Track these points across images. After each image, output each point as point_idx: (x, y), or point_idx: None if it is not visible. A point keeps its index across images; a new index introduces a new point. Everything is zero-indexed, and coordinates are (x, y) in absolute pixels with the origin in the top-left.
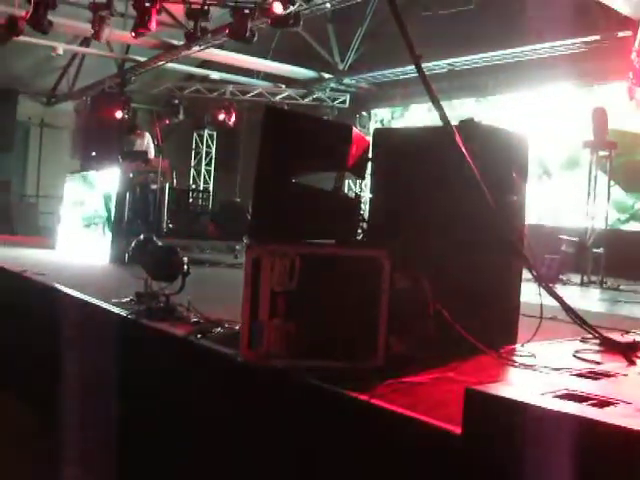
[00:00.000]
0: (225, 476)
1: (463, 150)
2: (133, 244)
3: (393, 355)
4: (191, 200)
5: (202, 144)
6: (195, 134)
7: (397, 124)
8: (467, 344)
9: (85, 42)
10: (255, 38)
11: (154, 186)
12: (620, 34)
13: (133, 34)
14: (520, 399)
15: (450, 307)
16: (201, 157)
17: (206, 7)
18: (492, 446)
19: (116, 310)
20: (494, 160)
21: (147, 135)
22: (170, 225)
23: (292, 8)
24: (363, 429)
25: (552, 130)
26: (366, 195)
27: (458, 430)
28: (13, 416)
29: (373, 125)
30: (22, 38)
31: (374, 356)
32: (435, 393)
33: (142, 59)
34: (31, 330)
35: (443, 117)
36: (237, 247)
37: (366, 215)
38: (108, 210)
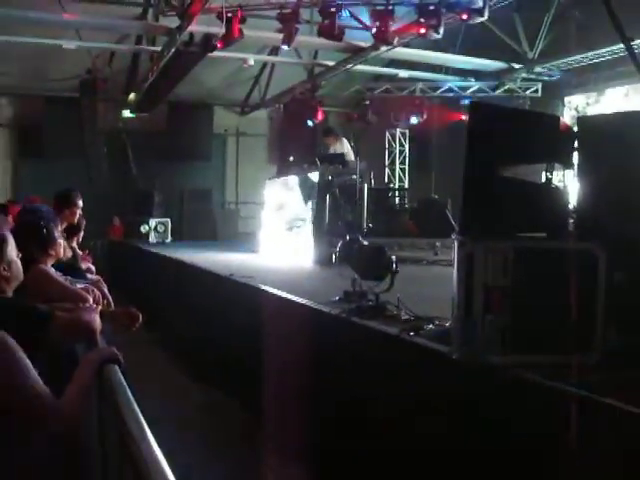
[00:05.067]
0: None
1: None
2: (340, 245)
3: (610, 349)
4: (389, 199)
5: (395, 143)
6: (387, 133)
7: (593, 111)
8: None
9: (274, 51)
10: (441, 34)
11: (352, 187)
12: None
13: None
14: None
15: None
16: (395, 156)
17: (390, 7)
18: None
19: (326, 309)
20: None
21: (344, 140)
22: (370, 224)
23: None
24: (589, 427)
25: None
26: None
27: None
28: (228, 413)
29: (567, 113)
30: (215, 53)
31: (591, 350)
32: None
33: (331, 63)
34: (241, 332)
35: None
36: (437, 244)
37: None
38: (309, 212)
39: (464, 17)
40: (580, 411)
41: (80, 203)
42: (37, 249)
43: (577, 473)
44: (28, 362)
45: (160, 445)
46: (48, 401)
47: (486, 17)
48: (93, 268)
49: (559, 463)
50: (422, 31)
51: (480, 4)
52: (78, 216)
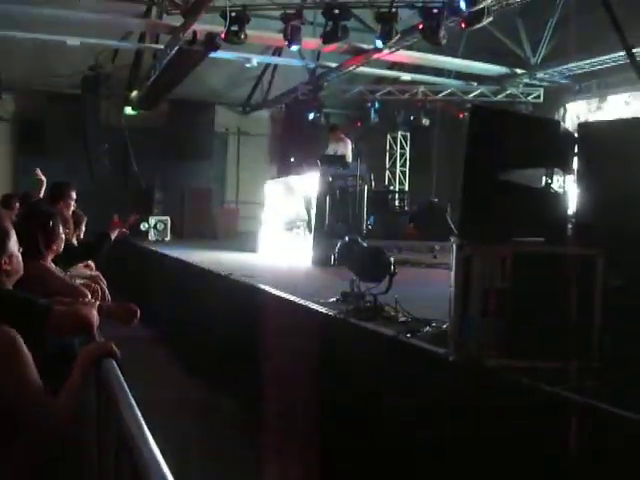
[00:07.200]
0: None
1: None
2: (339, 246)
3: (608, 355)
4: (389, 201)
5: (396, 145)
6: (389, 136)
7: (594, 117)
8: None
9: (277, 52)
10: (445, 40)
11: (353, 189)
12: None
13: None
14: None
15: None
16: (395, 158)
17: (394, 9)
18: None
19: (324, 310)
20: None
21: (348, 142)
22: (369, 226)
23: (483, 4)
24: (587, 433)
25: None
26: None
27: None
28: (226, 412)
29: (569, 119)
30: (217, 52)
31: (588, 356)
32: None
33: (333, 65)
34: (239, 331)
35: None
36: (436, 247)
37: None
38: (309, 213)
39: (462, 26)
40: (578, 416)
41: (74, 196)
42: (42, 243)
43: (576, 478)
44: (31, 360)
45: (156, 440)
46: (45, 401)
47: (484, 23)
48: (92, 264)
49: (557, 468)
50: (420, 27)
51: None
52: (72, 209)
